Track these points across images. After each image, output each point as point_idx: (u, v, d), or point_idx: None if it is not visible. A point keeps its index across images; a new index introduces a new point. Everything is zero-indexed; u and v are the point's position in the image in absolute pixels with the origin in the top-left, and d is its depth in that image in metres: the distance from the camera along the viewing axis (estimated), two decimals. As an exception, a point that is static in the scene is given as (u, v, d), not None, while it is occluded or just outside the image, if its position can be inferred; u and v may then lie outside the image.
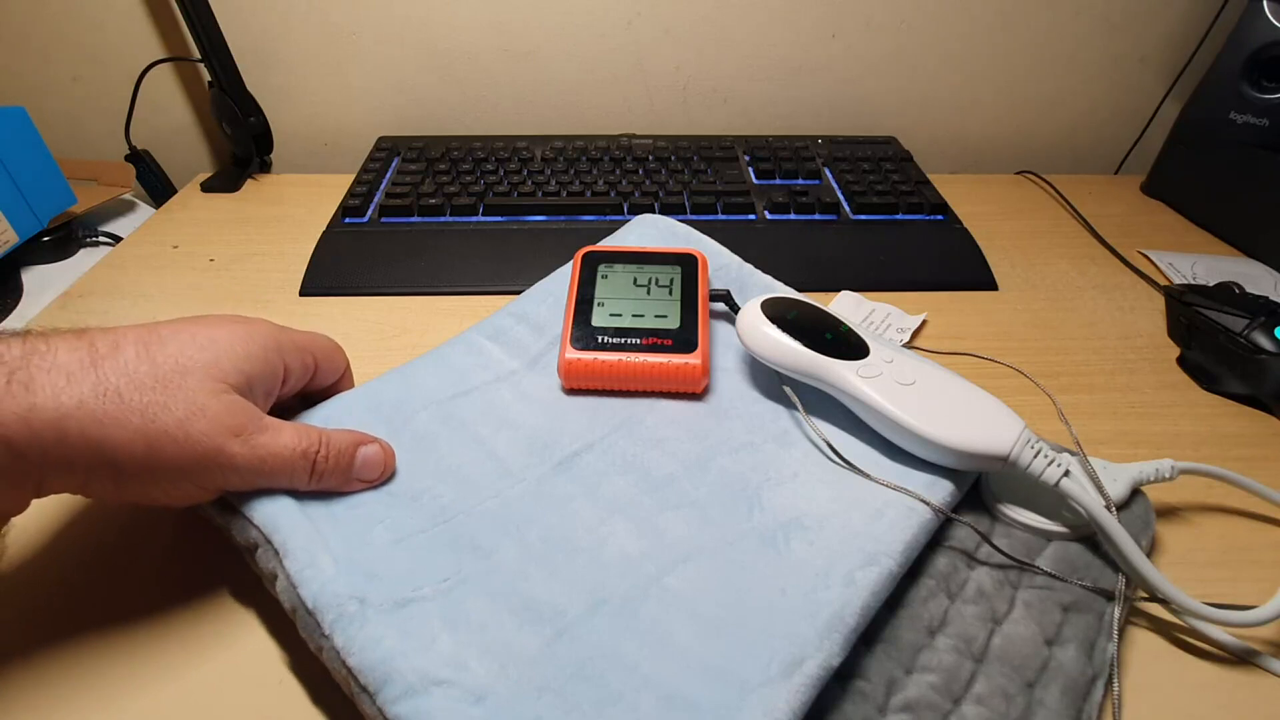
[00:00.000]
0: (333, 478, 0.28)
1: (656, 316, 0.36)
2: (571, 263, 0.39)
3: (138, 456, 0.24)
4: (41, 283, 0.52)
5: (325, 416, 0.31)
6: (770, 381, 0.35)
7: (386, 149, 0.63)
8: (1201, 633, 0.28)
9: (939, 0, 0.65)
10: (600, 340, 0.35)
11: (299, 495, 0.27)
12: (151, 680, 0.26)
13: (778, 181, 0.59)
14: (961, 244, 0.53)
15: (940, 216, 0.56)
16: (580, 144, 0.62)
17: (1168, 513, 0.33)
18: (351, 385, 0.34)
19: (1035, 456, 0.29)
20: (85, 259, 0.56)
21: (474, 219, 0.54)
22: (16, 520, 0.31)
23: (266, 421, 0.27)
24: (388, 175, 0.59)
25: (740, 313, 0.35)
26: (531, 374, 0.35)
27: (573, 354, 0.34)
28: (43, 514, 0.32)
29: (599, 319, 0.36)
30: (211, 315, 0.28)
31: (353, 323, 0.46)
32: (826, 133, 0.68)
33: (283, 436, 0.27)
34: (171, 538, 0.31)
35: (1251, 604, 0.27)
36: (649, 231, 0.43)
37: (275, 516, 0.26)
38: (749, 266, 0.42)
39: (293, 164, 0.70)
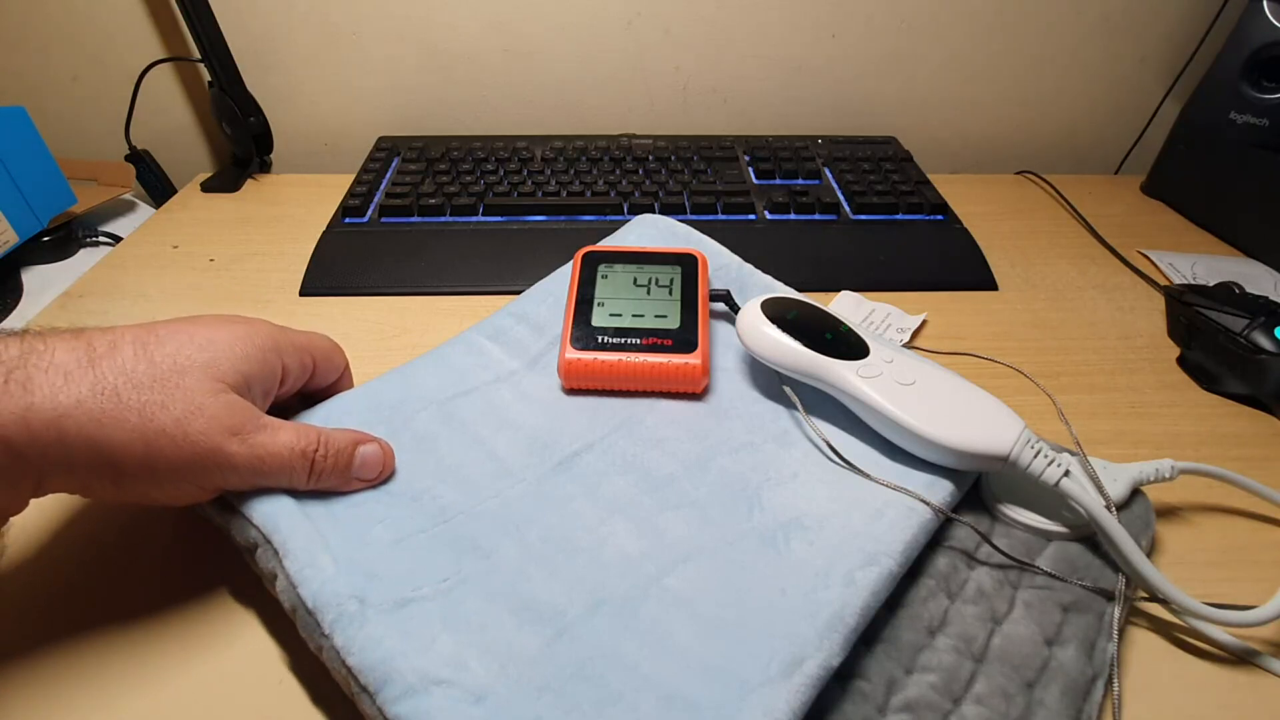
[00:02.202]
0: (332, 477, 0.28)
1: (656, 316, 0.36)
2: (571, 263, 0.39)
3: (136, 456, 0.24)
4: (41, 283, 0.52)
5: (325, 416, 0.31)
6: (770, 381, 0.35)
7: (386, 149, 0.63)
8: (1201, 633, 0.28)
9: (939, 0, 0.65)
10: (600, 340, 0.35)
11: (298, 495, 0.27)
12: (152, 680, 0.26)
13: (778, 181, 0.59)
14: (961, 244, 0.53)
15: (940, 216, 0.56)
16: (580, 144, 0.62)
17: (1168, 513, 0.33)
18: (351, 385, 0.34)
19: (1035, 456, 0.29)
20: (85, 259, 0.56)
21: (474, 219, 0.54)
22: (16, 520, 0.31)
23: (265, 421, 0.27)
24: (388, 175, 0.59)
25: (740, 313, 0.35)
26: (531, 374, 0.35)
27: (573, 354, 0.34)
28: (43, 514, 0.32)
29: (599, 319, 0.36)
30: (209, 315, 0.28)
31: (353, 323, 0.46)
32: (826, 133, 0.68)
33: (281, 436, 0.27)
34: (171, 538, 0.31)
35: (1251, 604, 0.27)
36: (649, 231, 0.43)
37: (275, 516, 0.26)
38: (749, 266, 0.42)
39: (293, 164, 0.70)
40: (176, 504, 0.27)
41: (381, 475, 0.29)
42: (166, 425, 0.24)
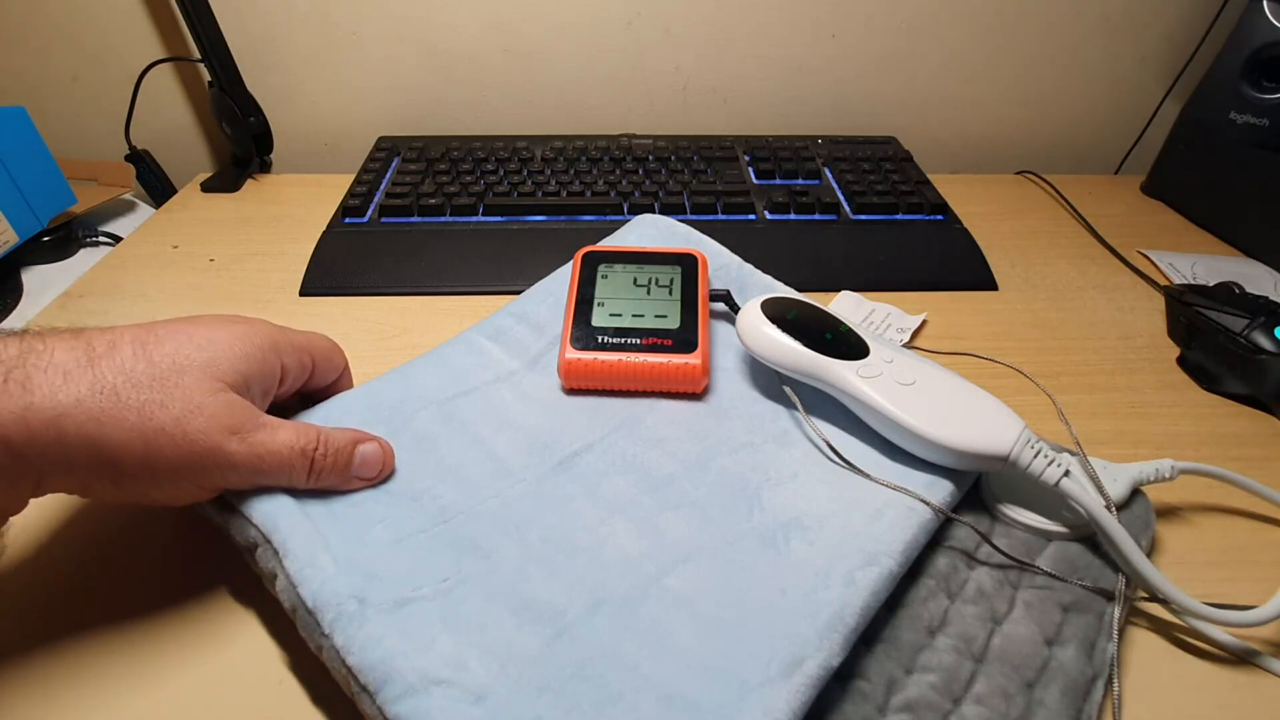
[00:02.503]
0: (331, 476, 0.28)
1: (656, 316, 0.36)
2: (571, 263, 0.39)
3: (135, 455, 0.24)
4: (41, 283, 0.52)
5: (325, 416, 0.31)
6: (770, 381, 0.35)
7: (386, 149, 0.63)
8: (1201, 633, 0.28)
9: (939, 0, 0.65)
10: (600, 340, 0.35)
11: (298, 494, 0.27)
12: (151, 680, 0.26)
13: (778, 181, 0.59)
14: (961, 244, 0.53)
15: (940, 216, 0.56)
16: (580, 144, 0.62)
17: (1168, 513, 0.33)
18: (350, 385, 0.34)
19: (1035, 456, 0.29)
20: (85, 259, 0.56)
21: (474, 219, 0.54)
22: (16, 520, 0.31)
23: (264, 420, 0.27)
24: (388, 175, 0.59)
25: (740, 313, 0.35)
26: (531, 374, 0.35)
27: (573, 354, 0.34)
28: (43, 514, 0.32)
29: (599, 319, 0.36)
30: (209, 315, 0.28)
31: (353, 323, 0.46)
32: (826, 133, 0.68)
33: (281, 434, 0.27)
34: (171, 538, 0.31)
35: (1251, 604, 0.27)
36: (649, 231, 0.43)
37: (274, 516, 0.26)
38: (749, 266, 0.42)
39: (293, 164, 0.70)
40: (176, 504, 0.27)
41: (381, 474, 0.29)
42: (165, 424, 0.24)
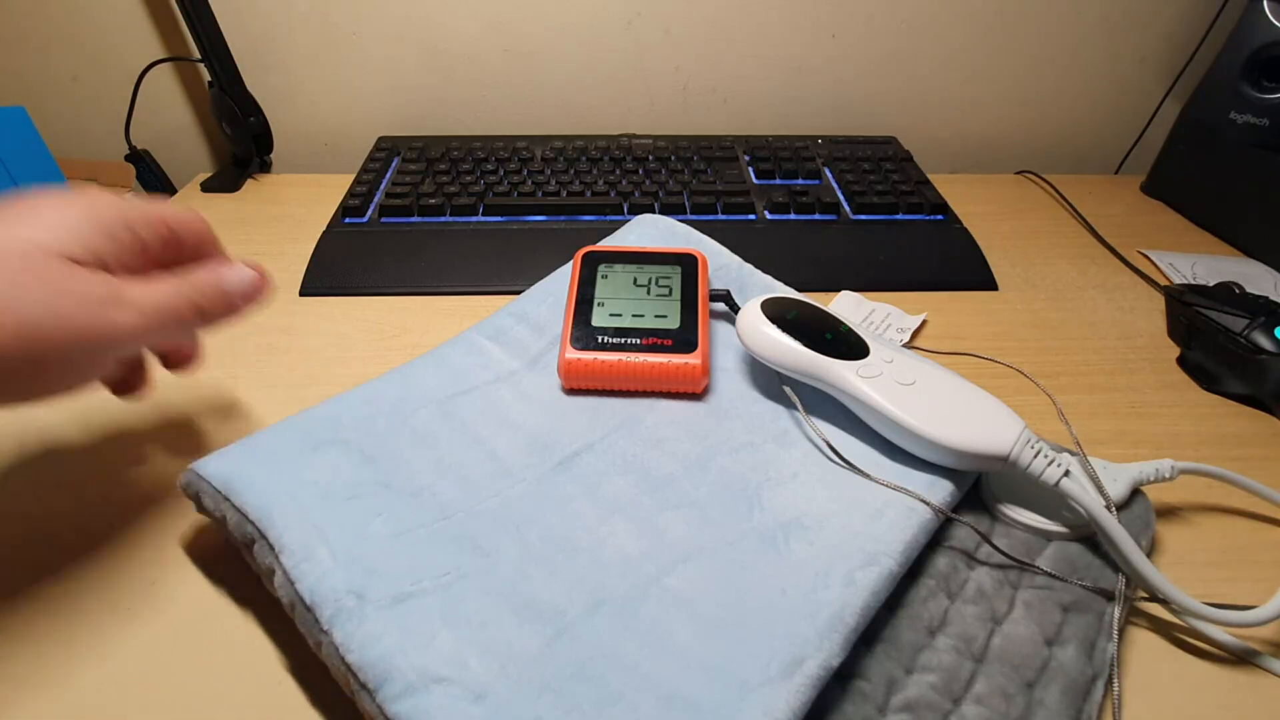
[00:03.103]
0: (217, 307, 0.28)
1: (656, 316, 0.36)
2: (571, 263, 0.39)
3: (13, 351, 0.23)
4: (41, 283, 0.52)
5: (324, 413, 0.31)
6: (770, 381, 0.35)
7: (386, 149, 0.63)
8: (1201, 633, 0.28)
9: (939, 0, 0.65)
10: (600, 340, 0.35)
11: (293, 487, 0.27)
12: (149, 680, 0.26)
13: (778, 181, 0.59)
14: (961, 244, 0.53)
15: (940, 216, 0.56)
16: (580, 144, 0.62)
17: (1168, 513, 0.33)
18: (225, 256, 0.33)
19: (1035, 456, 0.29)
20: (85, 259, 0.56)
21: (474, 219, 0.54)
22: (9, 512, 0.31)
23: (134, 283, 0.26)
24: (388, 175, 0.59)
25: (740, 313, 0.35)
26: (531, 374, 0.35)
27: (573, 354, 0.34)
28: (35, 510, 0.32)
29: (599, 319, 0.36)
30: (50, 195, 0.27)
31: (353, 323, 0.46)
32: (826, 133, 0.68)
33: (157, 288, 0.26)
34: (169, 536, 0.31)
35: (1251, 604, 0.27)
36: (649, 231, 0.44)
37: (269, 510, 0.26)
38: (749, 266, 0.42)
39: (293, 164, 0.70)
40: (81, 388, 0.26)
41: (262, 280, 0.30)
42: (36, 315, 0.23)
